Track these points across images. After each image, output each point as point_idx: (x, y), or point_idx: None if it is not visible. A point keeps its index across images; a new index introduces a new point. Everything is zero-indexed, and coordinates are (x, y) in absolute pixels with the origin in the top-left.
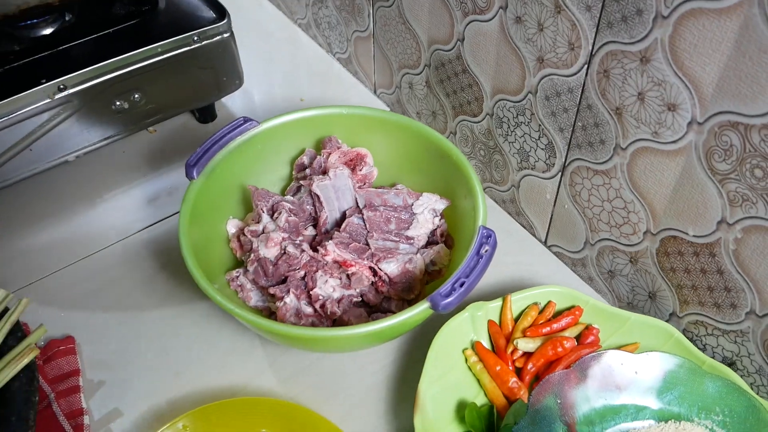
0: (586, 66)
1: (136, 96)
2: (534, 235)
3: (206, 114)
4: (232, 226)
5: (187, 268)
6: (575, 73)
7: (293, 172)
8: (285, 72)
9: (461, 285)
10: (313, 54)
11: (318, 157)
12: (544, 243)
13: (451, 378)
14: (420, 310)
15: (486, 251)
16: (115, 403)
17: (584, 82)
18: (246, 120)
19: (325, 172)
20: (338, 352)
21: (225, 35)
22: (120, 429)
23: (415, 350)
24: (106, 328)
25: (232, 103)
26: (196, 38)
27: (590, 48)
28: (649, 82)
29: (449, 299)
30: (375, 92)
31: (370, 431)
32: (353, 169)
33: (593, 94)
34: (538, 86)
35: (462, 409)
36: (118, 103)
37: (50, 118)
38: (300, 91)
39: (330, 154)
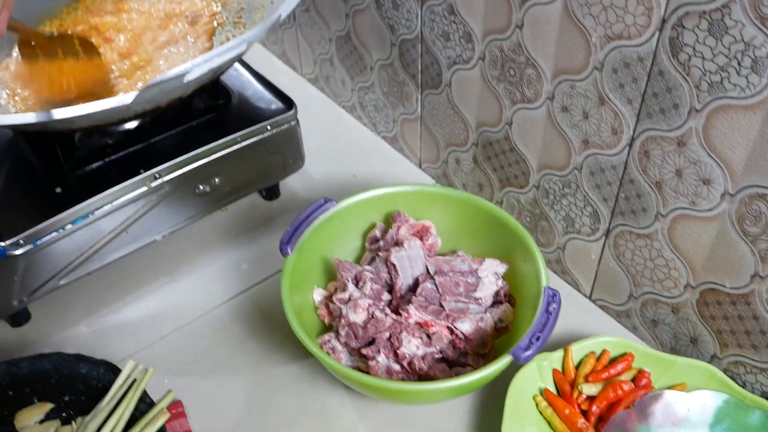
0: (628, 147)
1: (217, 180)
2: (579, 290)
3: (272, 192)
4: (317, 295)
5: (286, 330)
6: (618, 153)
7: (366, 244)
8: (336, 150)
9: (537, 339)
10: (359, 133)
11: (389, 230)
12: (590, 297)
13: (526, 422)
14: (504, 363)
15: (554, 308)
16: None
17: (626, 161)
18: (326, 200)
19: (397, 244)
20: (425, 403)
21: (292, 123)
22: None
23: (487, 399)
24: (208, 392)
25: (294, 180)
26: (269, 127)
27: (632, 133)
28: (685, 161)
29: (528, 352)
30: (420, 166)
31: None
32: (420, 240)
33: (635, 171)
34: (582, 163)
35: None
36: (201, 187)
37: (145, 204)
38: (352, 167)
39: (400, 227)
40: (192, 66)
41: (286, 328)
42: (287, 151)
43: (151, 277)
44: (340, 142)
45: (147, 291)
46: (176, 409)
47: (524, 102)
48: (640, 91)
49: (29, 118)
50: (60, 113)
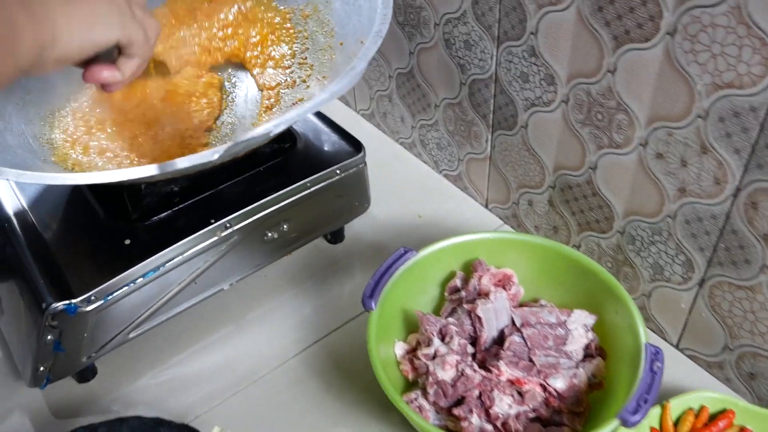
0: (732, 198)
1: (285, 226)
2: (665, 338)
3: (337, 236)
4: (399, 349)
5: (365, 383)
6: (720, 203)
7: (445, 294)
8: (397, 188)
9: (645, 402)
10: (419, 170)
11: (470, 279)
12: (676, 346)
13: None
14: (611, 428)
15: (658, 367)
16: None
17: (729, 211)
18: (405, 250)
19: (480, 294)
20: None
21: (361, 166)
22: None
23: None
24: None
25: (358, 222)
26: (338, 171)
27: (737, 183)
28: None
29: (637, 416)
30: (486, 206)
31: None
32: (503, 289)
33: (739, 222)
34: (677, 211)
35: None
36: (269, 234)
37: (215, 253)
38: (415, 207)
39: (482, 276)
40: (283, 122)
41: (365, 382)
42: (354, 194)
43: (218, 326)
44: (400, 180)
45: (214, 341)
46: None
47: (612, 147)
48: (751, 142)
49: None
50: (161, 167)
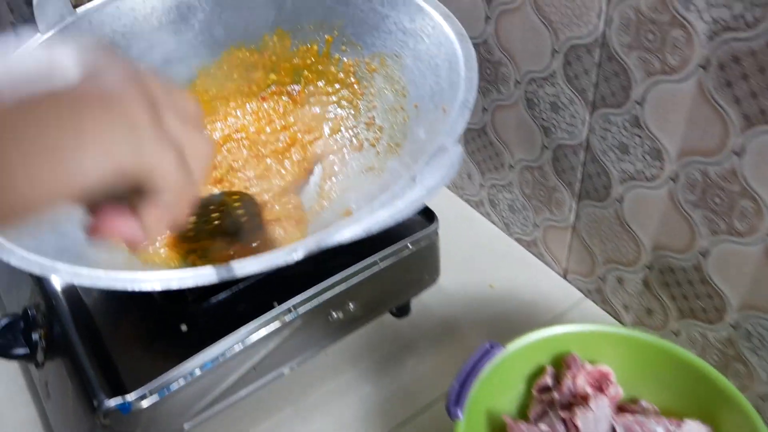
0: None
1: (351, 306)
2: None
3: (403, 310)
4: None
5: None
6: None
7: (534, 392)
8: (465, 253)
9: None
10: (487, 232)
11: (563, 378)
12: None
13: None
14: None
15: None
16: None
17: None
18: (492, 345)
19: (575, 397)
20: None
21: (433, 238)
22: None
23: None
24: None
25: (425, 294)
26: (409, 245)
27: None
28: None
29: None
30: (565, 276)
31: None
32: (599, 389)
33: None
34: None
35: None
36: (334, 314)
37: (277, 338)
38: (486, 275)
39: (576, 376)
40: (374, 224)
41: None
42: (425, 267)
43: (275, 411)
44: (467, 242)
45: (271, 429)
46: None
47: (731, 235)
48: None
49: (207, 276)
50: (240, 269)
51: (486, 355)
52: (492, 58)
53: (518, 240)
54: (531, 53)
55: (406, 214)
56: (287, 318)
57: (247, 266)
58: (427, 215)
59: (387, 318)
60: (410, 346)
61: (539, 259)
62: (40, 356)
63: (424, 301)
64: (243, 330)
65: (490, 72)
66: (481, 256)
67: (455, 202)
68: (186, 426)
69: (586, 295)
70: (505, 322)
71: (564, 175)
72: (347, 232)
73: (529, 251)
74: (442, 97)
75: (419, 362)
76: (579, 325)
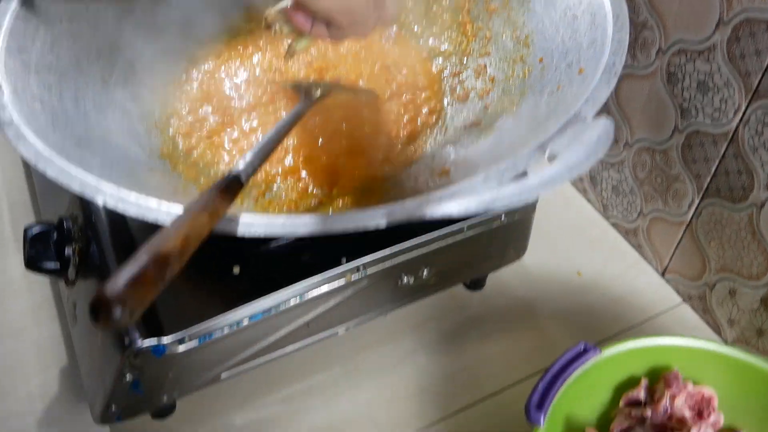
0: None
1: (424, 272)
2: None
3: (477, 282)
4: None
5: None
6: None
7: (621, 404)
8: (553, 233)
9: None
10: (581, 211)
11: (661, 398)
12: None
13: None
14: None
15: None
16: None
17: None
18: (587, 348)
19: (671, 419)
20: None
21: (530, 210)
22: None
23: None
24: None
25: (505, 270)
26: (503, 216)
27: None
28: None
29: None
30: (663, 274)
31: None
32: (699, 415)
33: None
34: None
35: None
36: (404, 279)
37: (338, 297)
38: (574, 260)
39: (676, 396)
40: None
41: None
42: (513, 240)
43: (322, 376)
44: (557, 221)
45: (315, 393)
46: None
47: None
48: None
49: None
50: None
51: (579, 358)
52: (636, 18)
53: (615, 225)
54: (689, 19)
55: (536, 194)
56: (354, 277)
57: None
58: None
59: (458, 288)
60: (479, 324)
61: (637, 251)
62: (71, 273)
63: (501, 278)
64: (303, 283)
65: (630, 34)
66: (570, 237)
67: None
68: (224, 375)
69: (684, 300)
70: (589, 316)
71: (693, 166)
72: (455, 206)
73: (626, 240)
74: (578, 55)
75: (487, 343)
76: (686, 339)
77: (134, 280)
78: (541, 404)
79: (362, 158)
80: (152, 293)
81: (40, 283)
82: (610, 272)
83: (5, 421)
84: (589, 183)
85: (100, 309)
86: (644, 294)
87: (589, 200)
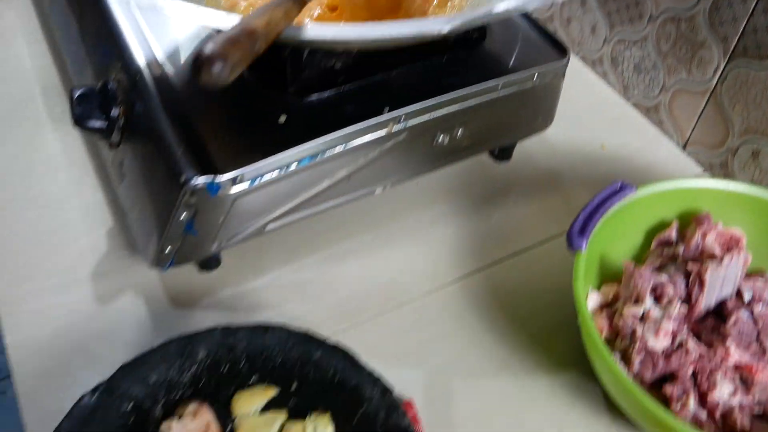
0: None
1: (459, 132)
2: None
3: (505, 153)
4: (592, 301)
5: (534, 331)
6: None
7: (653, 245)
8: (576, 112)
9: None
10: (601, 94)
11: (692, 234)
12: None
13: None
14: None
15: None
16: None
17: None
18: (623, 186)
19: (702, 255)
20: None
21: (561, 74)
22: None
23: None
24: (439, 396)
25: (529, 144)
26: (536, 77)
27: None
28: None
29: None
30: (684, 147)
31: None
32: (729, 252)
33: None
34: None
35: None
36: (440, 138)
37: (379, 150)
38: (598, 135)
39: (707, 234)
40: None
41: (533, 329)
42: (543, 107)
43: (360, 234)
44: (579, 102)
45: (354, 249)
46: (408, 411)
47: None
48: None
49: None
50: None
51: (617, 193)
52: None
53: (636, 105)
54: None
55: None
56: (395, 128)
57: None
58: (559, 49)
59: (487, 161)
60: (508, 191)
61: (657, 127)
62: (116, 136)
63: (527, 149)
64: (348, 130)
65: None
66: (592, 116)
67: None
68: (269, 227)
69: (706, 169)
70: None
71: (720, 29)
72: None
73: (648, 118)
74: None
75: (516, 207)
76: (718, 180)
77: (230, 41)
78: (583, 231)
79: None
80: (245, 58)
81: (79, 157)
82: (631, 147)
83: (57, 275)
84: (610, 65)
85: (202, 65)
86: (666, 166)
87: (609, 83)
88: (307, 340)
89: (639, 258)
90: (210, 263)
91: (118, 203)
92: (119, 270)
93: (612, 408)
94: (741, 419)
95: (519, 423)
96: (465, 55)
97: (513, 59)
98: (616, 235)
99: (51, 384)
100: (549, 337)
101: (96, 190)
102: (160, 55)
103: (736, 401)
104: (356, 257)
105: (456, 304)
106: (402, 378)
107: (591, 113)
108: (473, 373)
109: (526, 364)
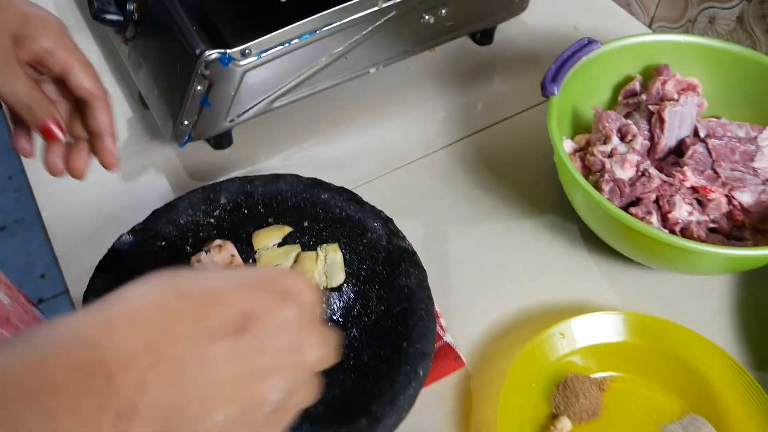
0: None
1: (443, 11)
2: None
3: (486, 36)
4: (567, 146)
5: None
6: None
7: (620, 98)
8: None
9: None
10: None
11: (653, 84)
12: None
13: None
14: None
15: None
16: (467, 310)
17: None
18: (590, 41)
19: (662, 99)
20: (693, 272)
21: None
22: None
23: (755, 281)
24: (435, 239)
25: (509, 27)
26: None
27: None
28: None
29: None
30: (650, 25)
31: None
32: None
33: None
34: None
35: None
36: (426, 16)
37: (371, 27)
38: (570, 19)
39: (666, 81)
40: None
41: (514, 181)
42: None
43: (359, 112)
44: None
45: (354, 126)
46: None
47: None
48: None
49: None
50: None
51: (584, 47)
52: None
53: None
54: None
55: None
56: (384, 4)
57: None
58: None
59: (470, 45)
60: (491, 71)
61: (625, 9)
62: (131, 31)
63: (507, 33)
64: (341, 7)
65: None
66: (565, 1)
67: None
68: (276, 103)
69: None
70: None
71: None
72: None
73: (616, 1)
74: None
75: (498, 85)
76: (677, 35)
77: None
78: (554, 79)
79: None
80: None
81: (96, 59)
82: (603, 27)
83: None
84: None
85: None
86: None
87: None
88: (316, 184)
89: (609, 110)
90: (223, 141)
91: (135, 96)
92: (141, 152)
93: (588, 240)
94: (697, 232)
95: (506, 258)
96: None
97: None
98: (587, 89)
99: (87, 247)
100: (530, 188)
101: (113, 86)
102: None
103: (693, 218)
104: (357, 132)
105: (447, 165)
106: (403, 226)
107: (564, 1)
108: (465, 220)
109: (511, 210)
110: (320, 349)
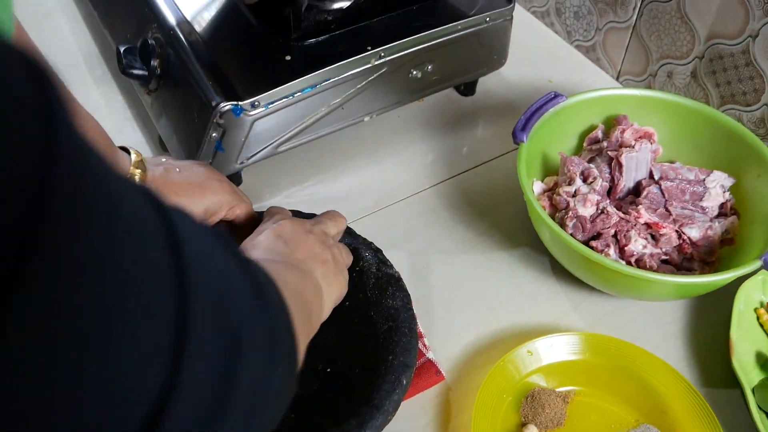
0: None
1: (429, 67)
2: None
3: (470, 88)
4: (537, 187)
5: (494, 220)
6: None
7: (585, 144)
8: (528, 55)
9: None
10: (549, 40)
11: (613, 132)
12: None
13: (748, 331)
14: (753, 267)
15: None
16: (447, 330)
17: None
18: (556, 95)
19: (621, 146)
20: (647, 298)
21: (508, 18)
22: (460, 347)
23: (700, 306)
24: (419, 268)
25: (490, 80)
26: (488, 19)
27: None
28: None
29: None
30: (618, 78)
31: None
32: None
33: None
34: None
35: (760, 358)
36: (414, 72)
37: (365, 81)
38: (546, 73)
39: (625, 130)
40: None
41: (494, 218)
42: (496, 46)
43: (354, 156)
44: (530, 47)
45: (350, 168)
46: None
47: None
48: None
49: None
50: None
51: (551, 100)
52: None
53: (578, 47)
54: None
55: None
56: (376, 62)
57: None
58: None
59: (454, 95)
60: (474, 119)
61: (595, 63)
62: (153, 84)
63: (487, 85)
64: (339, 65)
65: None
66: (542, 58)
67: (521, 13)
68: (281, 148)
69: None
70: None
71: None
72: None
73: (587, 57)
74: None
75: (479, 131)
76: (636, 89)
77: None
78: (524, 128)
79: None
80: None
81: (120, 108)
82: (574, 80)
83: None
84: (556, 15)
85: None
86: None
87: (555, 31)
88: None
89: (574, 155)
90: (233, 180)
91: (156, 141)
92: None
93: (556, 270)
94: (650, 263)
95: (483, 285)
96: (432, 3)
97: (469, 5)
98: (555, 136)
99: None
100: (505, 224)
101: (137, 132)
102: (188, 15)
103: (647, 251)
104: (352, 173)
105: (432, 203)
106: (391, 257)
107: (541, 56)
108: (447, 251)
109: (488, 244)
110: (347, 257)
